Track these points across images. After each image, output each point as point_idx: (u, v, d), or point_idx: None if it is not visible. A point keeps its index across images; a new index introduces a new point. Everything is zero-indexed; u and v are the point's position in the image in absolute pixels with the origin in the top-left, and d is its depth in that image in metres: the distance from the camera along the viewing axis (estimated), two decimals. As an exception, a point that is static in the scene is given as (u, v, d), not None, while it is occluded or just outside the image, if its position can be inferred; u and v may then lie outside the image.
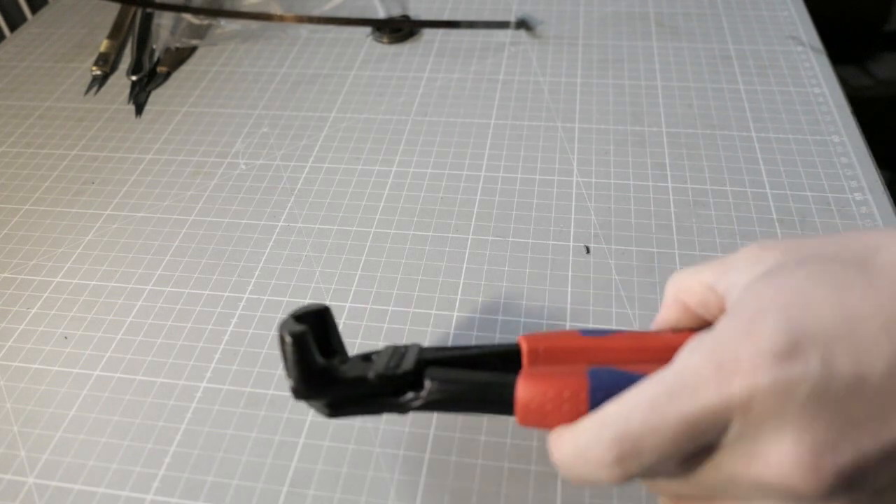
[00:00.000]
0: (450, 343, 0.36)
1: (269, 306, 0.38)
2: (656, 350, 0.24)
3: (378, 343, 0.36)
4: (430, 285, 0.39)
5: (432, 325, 0.37)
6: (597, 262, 0.39)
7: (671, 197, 0.43)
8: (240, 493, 0.31)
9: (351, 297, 0.39)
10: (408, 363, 0.26)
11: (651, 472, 0.21)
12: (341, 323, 0.37)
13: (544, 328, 0.36)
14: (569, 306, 0.37)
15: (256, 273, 0.40)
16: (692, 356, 0.21)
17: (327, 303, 0.38)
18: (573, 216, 0.42)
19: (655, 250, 0.40)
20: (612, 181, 0.44)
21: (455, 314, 0.37)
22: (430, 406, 0.26)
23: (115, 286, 0.40)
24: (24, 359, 0.37)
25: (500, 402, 0.25)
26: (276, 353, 0.36)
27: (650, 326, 0.29)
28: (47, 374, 0.36)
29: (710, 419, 0.20)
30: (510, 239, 0.41)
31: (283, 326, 0.26)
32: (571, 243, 0.41)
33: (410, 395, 0.26)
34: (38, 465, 0.32)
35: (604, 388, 0.23)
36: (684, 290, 0.26)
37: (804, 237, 0.23)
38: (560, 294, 0.38)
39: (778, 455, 0.19)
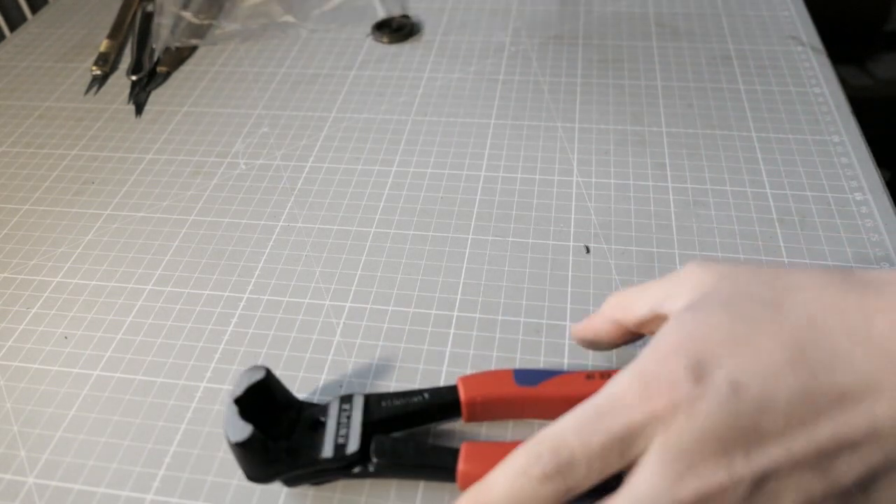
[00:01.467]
0: (450, 341, 0.36)
1: (269, 306, 0.38)
2: (584, 399, 0.26)
3: (378, 343, 0.36)
4: (430, 285, 0.39)
5: (432, 325, 0.37)
6: (597, 262, 0.39)
7: (671, 197, 0.43)
8: (240, 493, 0.31)
9: (351, 297, 0.39)
10: (354, 438, 0.29)
11: (579, 488, 0.23)
12: (341, 323, 0.37)
13: (544, 328, 0.36)
14: (569, 306, 0.37)
15: (256, 273, 0.40)
16: (621, 379, 0.24)
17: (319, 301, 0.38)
18: (573, 216, 0.42)
19: (655, 250, 0.40)
20: (612, 181, 0.44)
21: (455, 314, 0.37)
22: (377, 476, 0.29)
23: (115, 286, 0.40)
24: (24, 359, 0.37)
25: (443, 473, 0.28)
26: (277, 353, 0.36)
27: (572, 329, 0.32)
28: (47, 374, 0.36)
29: (635, 432, 0.23)
30: (510, 239, 0.41)
31: (228, 424, 0.28)
32: (571, 243, 0.41)
33: (359, 469, 0.29)
34: (38, 465, 0.32)
35: None
36: (624, 309, 0.29)
37: (739, 266, 0.26)
38: (560, 294, 0.38)
39: (699, 463, 0.22)
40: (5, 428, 0.34)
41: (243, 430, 0.27)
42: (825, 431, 0.22)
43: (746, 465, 0.22)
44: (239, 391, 0.29)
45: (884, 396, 0.21)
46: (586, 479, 0.23)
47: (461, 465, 0.27)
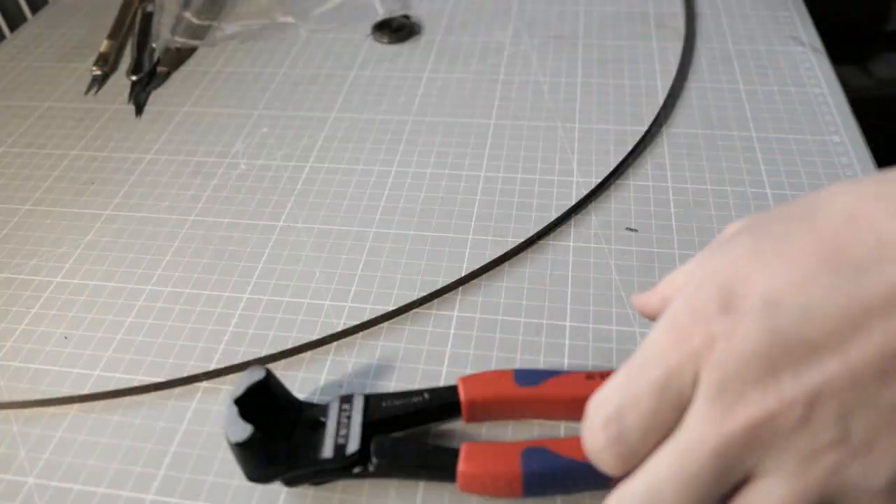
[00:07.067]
0: (450, 341, 0.36)
1: (269, 306, 0.38)
2: (584, 401, 0.25)
3: (378, 343, 0.36)
4: (430, 285, 0.39)
5: (432, 325, 0.37)
6: (596, 262, 0.39)
7: (671, 197, 0.43)
8: (240, 494, 0.31)
9: (351, 297, 0.39)
10: (354, 438, 0.29)
11: (642, 444, 0.22)
12: (341, 323, 0.37)
13: (544, 328, 0.36)
14: (569, 306, 0.37)
15: (256, 273, 0.40)
16: (653, 332, 0.22)
17: (324, 301, 0.38)
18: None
19: (656, 250, 0.40)
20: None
21: (455, 314, 0.37)
22: (378, 476, 0.29)
23: (115, 286, 0.40)
24: (24, 359, 0.37)
25: (443, 473, 0.28)
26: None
27: (633, 300, 0.30)
28: (47, 374, 0.36)
29: (676, 376, 0.21)
30: (510, 239, 0.41)
31: (228, 424, 0.28)
32: (571, 243, 0.41)
33: (359, 469, 0.29)
34: (38, 465, 0.32)
35: (535, 470, 0.27)
36: (670, 282, 0.27)
37: (778, 206, 0.24)
38: (560, 294, 0.38)
39: (746, 390, 0.20)
40: (5, 428, 0.34)
41: (243, 430, 0.27)
42: (881, 330, 0.19)
43: (797, 384, 0.19)
44: (239, 391, 0.29)
45: None
46: (644, 440, 0.21)
47: (461, 466, 0.27)
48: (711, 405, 0.20)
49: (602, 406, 0.22)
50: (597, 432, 0.22)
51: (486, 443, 0.28)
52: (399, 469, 0.29)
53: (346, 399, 0.31)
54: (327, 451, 0.29)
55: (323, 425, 0.30)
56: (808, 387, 0.19)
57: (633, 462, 0.22)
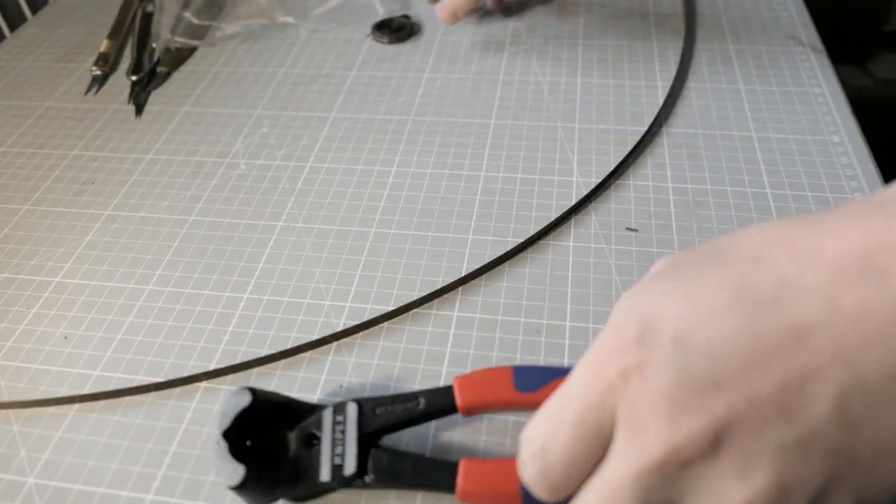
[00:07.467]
0: (450, 341, 0.36)
1: (269, 306, 0.38)
2: None
3: (378, 343, 0.36)
4: (430, 285, 0.39)
5: (432, 325, 0.37)
6: (596, 262, 0.39)
7: (671, 197, 0.43)
8: (240, 493, 0.31)
9: (351, 297, 0.39)
10: (350, 457, 0.29)
11: (567, 477, 0.23)
12: (341, 323, 0.37)
13: (544, 328, 0.36)
14: (569, 306, 0.37)
15: (256, 273, 0.40)
16: (579, 366, 0.23)
17: (324, 302, 0.38)
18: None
19: (656, 250, 0.40)
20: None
21: (455, 314, 0.37)
22: (376, 489, 0.29)
23: (115, 286, 0.40)
24: (24, 359, 0.37)
25: (442, 488, 0.28)
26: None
27: None
28: (47, 374, 0.36)
29: (596, 411, 0.22)
30: (510, 239, 0.41)
31: (219, 464, 0.28)
32: (571, 243, 0.41)
33: (358, 482, 0.29)
34: (38, 465, 0.32)
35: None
36: None
37: (696, 246, 0.25)
38: (560, 294, 0.38)
39: (656, 427, 0.20)
40: (5, 428, 0.34)
41: (235, 472, 0.27)
42: (782, 366, 0.19)
43: (704, 419, 0.20)
44: (227, 422, 0.28)
45: (842, 315, 0.19)
46: (568, 474, 0.22)
47: (460, 483, 0.27)
48: (627, 442, 0.21)
49: (529, 441, 0.23)
50: (527, 465, 0.23)
51: (485, 460, 0.28)
52: (397, 485, 0.29)
53: (340, 409, 0.30)
54: (325, 473, 0.28)
55: (318, 440, 0.29)
56: (714, 421, 0.20)
57: (565, 492, 0.23)
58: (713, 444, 0.20)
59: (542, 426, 0.23)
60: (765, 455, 0.20)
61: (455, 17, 0.55)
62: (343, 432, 0.29)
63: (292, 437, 0.29)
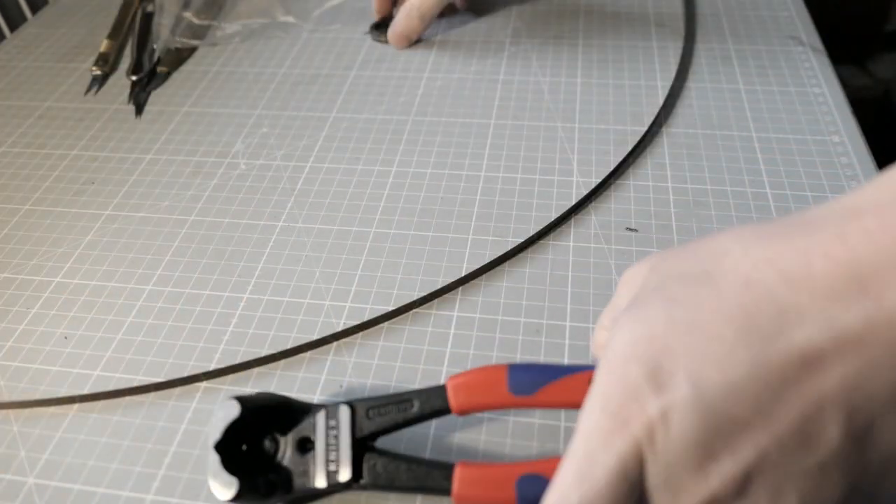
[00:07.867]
0: (450, 341, 0.36)
1: (269, 306, 0.38)
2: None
3: (378, 343, 0.36)
4: (430, 285, 0.39)
5: (432, 325, 0.37)
6: (596, 263, 0.39)
7: (671, 197, 0.43)
8: (240, 493, 0.31)
9: (351, 297, 0.39)
10: (345, 463, 0.29)
11: None
12: (341, 323, 0.37)
13: (544, 328, 0.36)
14: (569, 306, 0.37)
15: (256, 273, 0.40)
16: (590, 415, 0.22)
17: (327, 301, 0.38)
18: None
19: (655, 250, 0.40)
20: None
21: (455, 314, 0.37)
22: (372, 491, 0.29)
23: (115, 286, 0.40)
24: (24, 359, 0.37)
25: (437, 491, 0.28)
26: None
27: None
28: (47, 374, 0.36)
29: (627, 466, 0.21)
30: (510, 239, 0.41)
31: (212, 477, 0.28)
32: (571, 243, 0.41)
33: (354, 487, 0.29)
34: (38, 465, 0.32)
35: (530, 498, 0.26)
36: (597, 344, 0.29)
37: (664, 251, 0.25)
38: (560, 294, 0.38)
39: (689, 480, 0.21)
40: (5, 428, 0.34)
41: (229, 486, 0.28)
42: (797, 396, 0.20)
43: (733, 462, 0.20)
44: (217, 435, 0.28)
45: (843, 338, 0.19)
46: None
47: (456, 489, 0.27)
48: (661, 495, 0.21)
49: None
50: None
51: (481, 465, 0.28)
52: (393, 490, 0.29)
53: (332, 413, 0.29)
54: (320, 480, 0.28)
55: (312, 444, 0.29)
56: (743, 462, 0.20)
57: None
58: (744, 484, 0.20)
59: (575, 489, 0.22)
60: (790, 484, 0.20)
61: (408, 40, 0.58)
62: (336, 437, 0.29)
63: (287, 442, 0.29)
